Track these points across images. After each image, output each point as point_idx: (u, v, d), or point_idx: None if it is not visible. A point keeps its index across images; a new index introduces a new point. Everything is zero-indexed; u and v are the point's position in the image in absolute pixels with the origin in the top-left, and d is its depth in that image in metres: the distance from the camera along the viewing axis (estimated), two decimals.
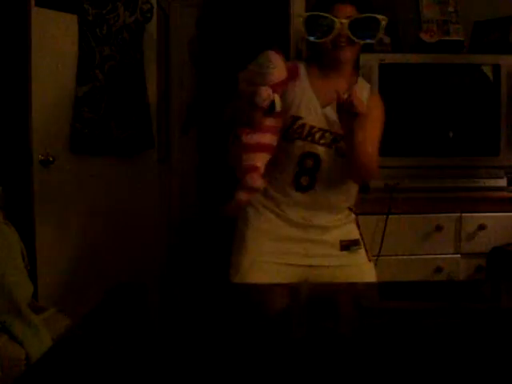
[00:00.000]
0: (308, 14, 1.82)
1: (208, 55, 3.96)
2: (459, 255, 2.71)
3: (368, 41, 1.84)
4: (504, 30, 2.85)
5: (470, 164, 2.79)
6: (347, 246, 1.91)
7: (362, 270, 1.93)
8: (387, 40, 2.84)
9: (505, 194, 2.75)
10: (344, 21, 1.76)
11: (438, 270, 2.68)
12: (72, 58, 2.66)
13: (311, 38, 1.81)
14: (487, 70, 2.76)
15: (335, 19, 1.76)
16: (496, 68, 2.75)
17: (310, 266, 1.87)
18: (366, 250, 1.97)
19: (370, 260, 1.96)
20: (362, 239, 1.96)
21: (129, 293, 1.48)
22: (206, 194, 3.97)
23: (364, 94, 1.92)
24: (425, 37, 2.81)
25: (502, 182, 2.79)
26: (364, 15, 1.80)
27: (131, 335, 1.18)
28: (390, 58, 2.75)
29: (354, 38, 1.78)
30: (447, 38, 2.85)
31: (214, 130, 4.18)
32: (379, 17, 1.82)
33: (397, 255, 2.66)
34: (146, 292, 1.61)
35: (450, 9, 2.91)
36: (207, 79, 4.01)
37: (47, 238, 2.59)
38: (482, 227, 2.68)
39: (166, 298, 1.56)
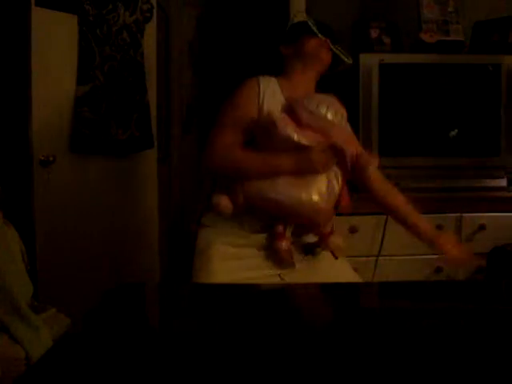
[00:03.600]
0: (310, 20, 1.91)
1: (208, 55, 3.96)
2: None
3: (343, 58, 1.92)
4: (504, 30, 2.85)
5: (470, 164, 2.79)
6: (311, 249, 1.86)
7: (333, 268, 1.87)
8: (387, 40, 2.84)
9: (505, 193, 2.75)
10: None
11: (438, 270, 2.68)
12: (72, 58, 2.66)
13: (319, 35, 1.87)
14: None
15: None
16: (496, 68, 2.75)
17: (279, 274, 1.83)
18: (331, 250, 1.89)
19: (336, 257, 1.88)
20: (323, 240, 1.88)
21: (129, 293, 1.48)
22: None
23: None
24: (425, 37, 2.82)
25: (502, 182, 2.79)
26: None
27: (131, 335, 1.18)
28: (390, 57, 2.76)
29: (333, 48, 1.89)
30: (447, 38, 2.85)
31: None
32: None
33: (397, 255, 2.66)
34: (146, 292, 1.61)
35: (450, 9, 2.91)
36: (207, 79, 4.01)
37: (47, 237, 2.58)
38: (481, 227, 2.68)
39: (166, 298, 1.56)
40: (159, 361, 1.02)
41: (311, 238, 1.87)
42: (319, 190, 1.71)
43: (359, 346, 1.11)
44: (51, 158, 2.58)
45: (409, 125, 2.82)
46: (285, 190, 1.70)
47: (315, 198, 1.70)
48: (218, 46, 4.11)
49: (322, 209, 1.72)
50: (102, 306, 1.34)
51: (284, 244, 1.76)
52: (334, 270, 1.87)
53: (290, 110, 1.74)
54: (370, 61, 2.72)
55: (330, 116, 1.72)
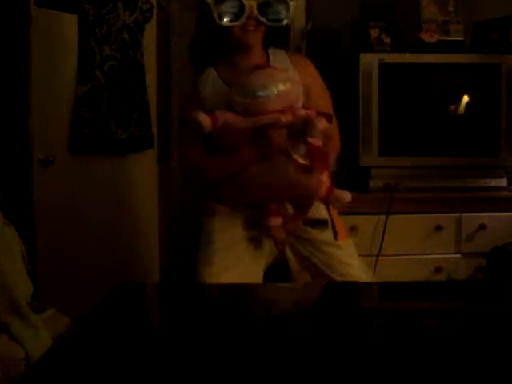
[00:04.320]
0: None
1: (208, 55, 3.96)
2: (459, 255, 2.71)
3: (278, 23, 1.75)
4: (504, 30, 2.85)
5: (470, 164, 2.79)
6: (311, 222, 1.83)
7: (332, 246, 1.87)
8: (387, 40, 2.84)
9: (505, 193, 2.75)
10: (253, 2, 1.69)
11: (438, 270, 2.68)
12: (72, 58, 2.66)
13: (221, 22, 1.74)
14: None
15: (244, 1, 1.69)
16: (496, 68, 2.75)
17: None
18: (335, 232, 1.87)
19: (337, 239, 1.86)
20: (332, 220, 1.87)
21: (129, 293, 1.48)
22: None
23: (284, 63, 1.82)
24: (425, 37, 2.81)
25: (502, 182, 2.79)
26: None
27: (131, 335, 1.18)
28: (390, 57, 2.76)
29: (264, 20, 1.72)
30: (447, 38, 2.85)
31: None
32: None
33: (397, 255, 2.67)
34: (146, 292, 1.61)
35: (450, 9, 2.90)
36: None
37: (47, 238, 2.58)
38: (482, 227, 2.68)
39: (167, 298, 1.56)
40: (159, 361, 1.02)
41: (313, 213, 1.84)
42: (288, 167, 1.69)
43: (359, 347, 1.11)
44: (51, 158, 2.58)
45: (409, 125, 2.82)
46: (260, 174, 1.70)
47: (290, 171, 1.68)
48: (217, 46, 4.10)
49: (300, 181, 1.69)
50: (103, 306, 1.34)
51: (274, 220, 1.74)
52: (333, 247, 1.87)
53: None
54: (370, 61, 2.72)
55: (281, 87, 1.65)
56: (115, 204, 2.87)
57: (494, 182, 2.78)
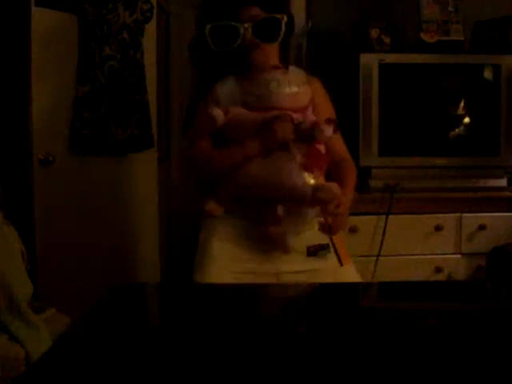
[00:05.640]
0: (210, 25, 1.76)
1: (208, 55, 3.96)
2: (459, 255, 2.71)
3: (273, 43, 1.77)
4: (504, 29, 2.85)
5: (470, 164, 2.79)
6: (314, 251, 1.79)
7: (336, 273, 1.81)
8: (387, 40, 2.84)
9: (505, 193, 2.75)
10: (247, 25, 1.71)
11: (438, 270, 2.68)
12: (72, 57, 2.66)
13: (217, 49, 1.78)
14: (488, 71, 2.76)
15: (238, 25, 1.71)
16: (496, 68, 2.75)
17: (276, 274, 1.78)
18: (338, 255, 1.83)
19: (342, 264, 1.83)
20: (333, 243, 1.83)
21: (129, 293, 1.48)
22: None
23: (300, 79, 1.82)
24: (425, 37, 2.81)
25: (502, 182, 2.79)
26: (264, 16, 1.73)
27: (131, 335, 1.18)
28: (390, 58, 2.76)
29: (258, 41, 1.73)
30: (447, 38, 2.85)
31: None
32: (278, 16, 1.75)
33: (397, 255, 2.67)
34: (147, 292, 1.61)
35: (450, 9, 2.90)
36: (207, 80, 4.00)
37: (47, 238, 2.59)
38: (482, 227, 2.68)
39: (166, 298, 1.56)
40: (159, 361, 1.02)
41: (313, 239, 1.81)
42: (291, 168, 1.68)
43: (359, 347, 1.11)
44: (51, 158, 2.58)
45: (409, 125, 2.82)
46: (260, 173, 1.70)
47: (294, 175, 1.67)
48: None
49: (297, 184, 1.68)
50: (103, 306, 1.34)
51: (275, 228, 1.72)
52: (334, 278, 1.80)
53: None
54: (370, 61, 2.72)
55: (295, 89, 1.70)
56: (115, 204, 2.87)
57: (493, 182, 2.78)
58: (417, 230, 2.68)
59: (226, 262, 1.79)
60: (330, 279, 1.78)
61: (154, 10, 3.01)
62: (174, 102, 3.63)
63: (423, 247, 2.68)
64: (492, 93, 2.78)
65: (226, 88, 1.82)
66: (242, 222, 1.80)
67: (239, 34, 1.73)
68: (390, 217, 2.63)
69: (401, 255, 2.67)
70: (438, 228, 2.67)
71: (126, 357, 1.06)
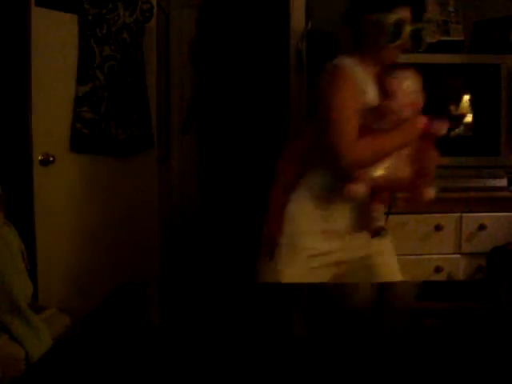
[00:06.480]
0: (396, 17, 1.80)
1: (208, 55, 3.96)
2: (459, 255, 2.71)
3: (418, 49, 1.88)
4: (504, 29, 2.84)
5: (470, 164, 2.79)
6: (377, 231, 1.94)
7: (392, 254, 2.00)
8: None
9: (505, 193, 2.74)
10: (409, 28, 1.80)
11: (438, 269, 2.68)
12: (72, 58, 2.66)
13: (386, 42, 1.82)
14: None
15: (407, 26, 1.80)
16: (496, 68, 2.75)
17: (346, 262, 1.90)
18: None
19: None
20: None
21: (129, 293, 1.48)
22: (207, 193, 3.97)
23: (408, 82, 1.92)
24: None
25: (502, 182, 2.79)
26: (420, 25, 1.84)
27: (131, 335, 1.18)
28: None
29: (409, 48, 1.84)
30: (447, 38, 2.85)
31: (213, 130, 4.18)
32: (425, 25, 1.92)
33: (397, 255, 2.66)
34: (146, 292, 1.61)
35: (450, 9, 2.90)
36: (207, 79, 4.01)
37: (47, 237, 2.59)
38: (482, 227, 2.68)
39: (166, 298, 1.56)
40: (159, 361, 1.02)
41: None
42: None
43: (359, 347, 1.11)
44: (51, 158, 2.58)
45: None
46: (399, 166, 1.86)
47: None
48: (217, 46, 4.11)
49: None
50: (103, 306, 1.34)
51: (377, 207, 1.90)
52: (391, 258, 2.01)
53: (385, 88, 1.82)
54: None
55: (415, 86, 1.82)
56: (115, 204, 2.87)
57: (494, 182, 2.78)
58: (417, 229, 2.67)
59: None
60: (389, 261, 1.98)
61: (154, 10, 3.01)
62: (174, 102, 3.63)
63: (423, 247, 2.68)
64: (492, 93, 2.78)
65: (352, 70, 1.83)
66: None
67: (401, 33, 1.79)
68: (390, 217, 2.62)
69: (401, 255, 2.67)
70: (438, 228, 2.67)
71: (125, 357, 1.06)
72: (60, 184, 2.65)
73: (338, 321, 1.29)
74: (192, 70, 3.84)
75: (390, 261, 2.00)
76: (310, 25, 2.99)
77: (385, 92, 1.81)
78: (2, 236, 2.02)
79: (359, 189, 1.78)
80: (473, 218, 2.69)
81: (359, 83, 1.81)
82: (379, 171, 1.82)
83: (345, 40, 1.96)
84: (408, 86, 1.81)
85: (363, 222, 1.91)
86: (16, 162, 2.54)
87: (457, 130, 2.84)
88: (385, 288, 1.73)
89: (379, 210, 1.94)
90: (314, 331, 1.24)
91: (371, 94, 1.82)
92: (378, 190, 1.87)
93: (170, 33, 3.55)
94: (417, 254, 2.68)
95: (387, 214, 2.28)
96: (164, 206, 3.42)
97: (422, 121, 1.82)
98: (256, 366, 1.02)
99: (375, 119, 1.80)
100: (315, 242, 1.86)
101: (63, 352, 1.11)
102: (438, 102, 2.84)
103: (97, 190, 2.80)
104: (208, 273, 3.42)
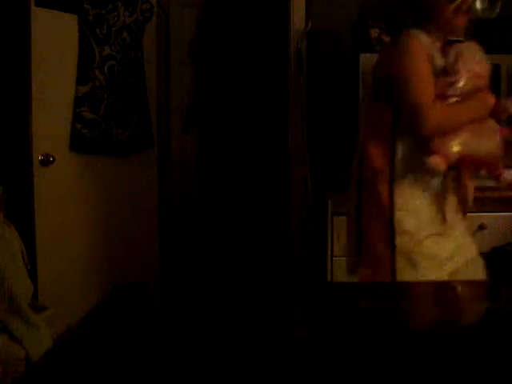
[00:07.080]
0: None
1: (208, 55, 3.97)
2: None
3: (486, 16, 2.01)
4: (504, 29, 2.84)
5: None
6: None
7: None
8: (387, 40, 2.84)
9: (505, 193, 2.74)
10: None
11: None
12: (72, 58, 2.66)
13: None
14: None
15: None
16: (496, 68, 2.75)
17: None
18: None
19: None
20: None
21: (129, 293, 1.48)
22: (206, 193, 3.98)
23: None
24: None
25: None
26: None
27: (131, 335, 1.18)
28: None
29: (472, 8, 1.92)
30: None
31: (213, 130, 4.19)
32: None
33: None
34: (146, 292, 1.61)
35: None
36: (207, 79, 4.01)
37: (47, 237, 2.58)
38: (482, 227, 2.68)
39: (166, 298, 1.56)
40: (159, 361, 1.02)
41: None
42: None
43: (359, 347, 1.11)
44: (51, 158, 2.58)
45: None
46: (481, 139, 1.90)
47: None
48: (218, 46, 4.12)
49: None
50: (103, 306, 1.34)
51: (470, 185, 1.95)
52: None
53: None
54: (370, 61, 2.70)
55: (481, 56, 1.89)
56: (115, 204, 2.87)
57: (494, 182, 2.77)
58: None
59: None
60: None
61: (154, 10, 3.01)
62: (174, 102, 3.63)
63: None
64: (492, 92, 2.78)
65: (424, 40, 1.87)
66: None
67: None
68: None
69: None
70: None
71: (125, 357, 1.06)
72: (60, 184, 2.64)
73: (338, 321, 1.29)
74: (192, 69, 3.84)
75: None
76: (309, 25, 2.99)
77: (451, 64, 1.84)
78: (2, 236, 2.02)
79: (440, 161, 1.80)
80: (473, 218, 2.69)
81: (430, 52, 1.85)
82: (455, 147, 1.83)
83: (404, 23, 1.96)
84: (474, 56, 1.86)
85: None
86: (16, 162, 2.54)
87: None
88: (384, 288, 1.72)
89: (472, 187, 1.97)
90: (312, 332, 1.24)
91: (440, 65, 1.86)
92: (461, 166, 1.91)
93: (169, 33, 3.55)
94: None
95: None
96: (164, 206, 3.42)
97: (493, 98, 1.89)
98: (257, 366, 1.02)
99: (445, 86, 1.83)
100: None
101: (63, 352, 1.11)
102: None
103: (97, 190, 2.80)
104: (208, 272, 3.42)
